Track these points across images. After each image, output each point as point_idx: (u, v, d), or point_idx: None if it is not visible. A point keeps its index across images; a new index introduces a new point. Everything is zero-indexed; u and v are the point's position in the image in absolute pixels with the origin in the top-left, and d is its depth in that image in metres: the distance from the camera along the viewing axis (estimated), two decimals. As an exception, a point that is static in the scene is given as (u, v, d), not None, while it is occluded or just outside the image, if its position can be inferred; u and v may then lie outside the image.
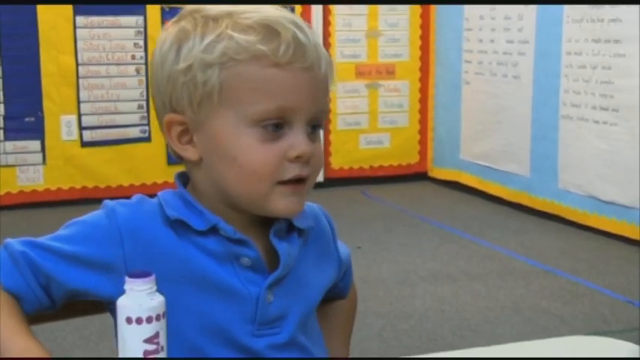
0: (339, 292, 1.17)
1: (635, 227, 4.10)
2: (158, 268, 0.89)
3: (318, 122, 0.98)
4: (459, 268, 3.87)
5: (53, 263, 0.92)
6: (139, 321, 0.66)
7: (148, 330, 0.67)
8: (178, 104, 0.96)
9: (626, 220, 4.17)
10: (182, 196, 0.99)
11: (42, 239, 0.95)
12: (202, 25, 0.96)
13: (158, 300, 0.67)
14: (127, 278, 0.66)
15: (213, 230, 0.97)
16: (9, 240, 0.94)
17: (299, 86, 0.94)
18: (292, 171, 0.95)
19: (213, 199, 0.98)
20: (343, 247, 1.15)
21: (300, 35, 0.95)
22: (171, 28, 0.99)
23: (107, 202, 0.98)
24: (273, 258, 0.99)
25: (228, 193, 0.97)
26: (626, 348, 1.14)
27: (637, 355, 1.11)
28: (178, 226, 0.96)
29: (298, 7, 5.42)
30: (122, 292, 0.78)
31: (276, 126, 0.94)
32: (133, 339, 0.67)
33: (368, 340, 2.95)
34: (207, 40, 0.94)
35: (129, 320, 0.66)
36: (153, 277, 0.66)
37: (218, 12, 0.97)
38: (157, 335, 0.67)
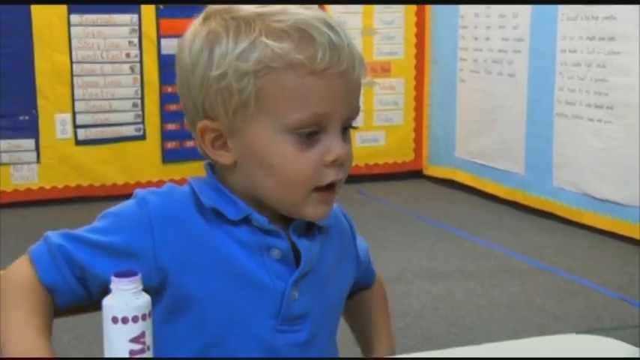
0: (362, 283, 1.18)
1: (630, 225, 4.11)
2: (188, 255, 0.93)
3: (350, 123, 0.99)
4: (454, 266, 3.87)
5: (89, 255, 0.93)
6: (124, 320, 0.66)
7: (133, 329, 0.66)
8: (212, 110, 0.95)
9: (621, 218, 4.17)
10: (215, 186, 0.99)
11: (79, 231, 0.96)
12: (235, 29, 0.94)
13: (144, 299, 0.66)
14: (112, 278, 0.66)
15: (246, 220, 0.97)
16: (49, 233, 0.96)
17: (334, 92, 0.94)
18: (329, 176, 0.96)
19: (242, 196, 0.99)
20: (362, 244, 1.16)
21: (335, 38, 0.94)
22: (200, 27, 0.97)
23: (138, 190, 0.99)
24: (295, 255, 1.00)
25: (261, 197, 0.98)
26: (619, 347, 1.14)
27: (630, 355, 1.11)
28: (211, 214, 0.97)
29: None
30: (150, 280, 0.78)
31: (310, 133, 0.94)
32: (118, 338, 0.67)
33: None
34: (241, 47, 0.93)
35: (114, 320, 0.66)
36: (139, 277, 0.66)
37: (248, 13, 0.95)
38: (142, 335, 0.67)
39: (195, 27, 0.98)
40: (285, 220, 1.00)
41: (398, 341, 2.98)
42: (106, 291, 0.91)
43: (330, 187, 0.98)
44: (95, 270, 0.93)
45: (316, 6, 1.00)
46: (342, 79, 0.94)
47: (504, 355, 1.11)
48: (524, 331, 3.06)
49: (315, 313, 1.02)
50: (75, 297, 0.95)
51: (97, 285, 0.94)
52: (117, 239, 0.94)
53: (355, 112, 0.99)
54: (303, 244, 0.99)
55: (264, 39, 0.92)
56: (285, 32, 0.93)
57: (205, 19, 0.98)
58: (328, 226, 1.05)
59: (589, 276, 3.73)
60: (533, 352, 1.14)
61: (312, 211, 0.97)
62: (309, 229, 1.02)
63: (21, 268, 0.94)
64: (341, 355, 1.12)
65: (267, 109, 0.93)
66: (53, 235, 0.95)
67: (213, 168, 1.02)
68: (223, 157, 0.98)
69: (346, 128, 0.98)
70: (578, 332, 1.19)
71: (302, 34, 0.93)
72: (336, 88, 0.94)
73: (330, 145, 0.95)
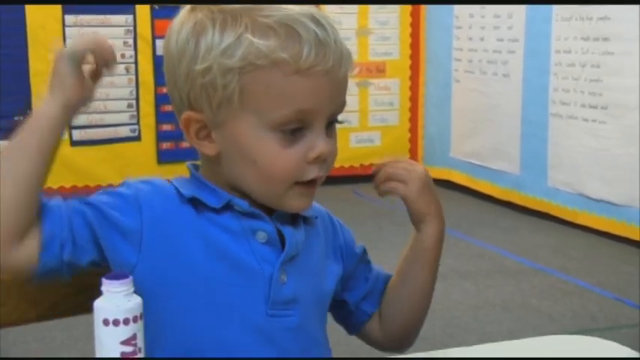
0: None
1: (625, 225, 4.12)
2: (175, 243, 0.94)
3: (335, 118, 0.99)
4: (449, 266, 3.88)
5: (96, 214, 0.94)
6: (115, 323, 0.66)
7: (125, 332, 0.66)
8: (197, 103, 0.96)
9: (616, 218, 4.18)
10: (195, 178, 1.01)
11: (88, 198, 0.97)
12: (221, 22, 0.94)
13: (135, 301, 0.66)
14: (103, 280, 0.66)
15: (228, 207, 0.98)
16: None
17: (319, 90, 0.94)
18: (312, 172, 0.97)
19: (224, 186, 1.00)
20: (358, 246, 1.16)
21: (322, 34, 0.94)
22: (187, 17, 0.97)
23: (127, 179, 1.00)
24: (281, 241, 1.01)
25: (243, 189, 0.99)
26: (612, 348, 1.14)
27: (624, 355, 1.12)
28: (194, 204, 0.98)
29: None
30: (134, 262, 0.79)
31: (293, 130, 0.95)
32: (109, 341, 0.67)
33: (357, 338, 2.94)
34: (226, 42, 0.92)
35: (106, 322, 0.66)
36: (130, 279, 0.66)
37: (236, 7, 0.95)
38: (134, 337, 0.67)
39: (183, 16, 0.99)
40: (269, 209, 1.01)
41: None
42: (86, 267, 0.93)
43: (312, 182, 0.99)
44: (99, 232, 0.93)
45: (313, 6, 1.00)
46: (328, 76, 0.94)
47: (498, 356, 1.11)
48: (519, 332, 3.06)
49: (304, 299, 1.02)
50: (61, 251, 0.92)
51: (89, 249, 0.94)
52: (114, 214, 0.95)
53: (341, 106, 0.99)
54: (287, 229, 1.00)
55: (249, 35, 0.92)
56: (271, 28, 0.92)
57: (193, 9, 0.98)
58: (313, 218, 1.06)
59: (584, 276, 3.74)
60: (527, 353, 1.14)
61: (293, 203, 0.99)
62: (294, 217, 1.03)
63: None
64: (332, 346, 1.11)
65: (251, 106, 0.94)
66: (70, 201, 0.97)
67: (196, 168, 1.03)
68: (207, 148, 0.98)
69: (331, 123, 0.99)
70: (572, 332, 1.19)
71: (288, 30, 0.92)
72: (321, 86, 0.94)
73: (314, 142, 0.96)
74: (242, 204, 0.98)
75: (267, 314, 0.99)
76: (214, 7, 0.95)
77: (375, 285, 1.14)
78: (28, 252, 0.90)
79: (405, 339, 1.16)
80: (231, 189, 0.99)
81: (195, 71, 0.94)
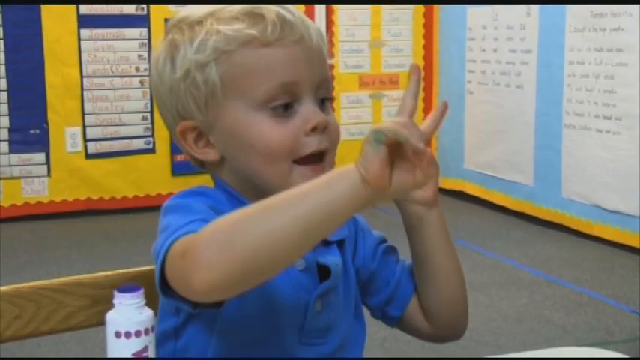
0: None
1: (638, 236, 4.09)
2: None
3: (325, 94, 0.99)
4: (463, 278, 3.87)
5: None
6: (127, 335, 0.67)
7: (136, 344, 0.67)
8: (186, 111, 0.97)
9: (630, 230, 4.16)
10: (232, 196, 0.98)
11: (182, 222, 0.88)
12: (189, 32, 0.97)
13: (147, 314, 0.67)
14: (115, 292, 0.67)
15: None
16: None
17: (294, 59, 0.95)
18: (310, 145, 0.95)
19: (247, 191, 0.98)
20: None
21: (285, 13, 0.96)
22: (161, 44, 1.01)
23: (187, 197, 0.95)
24: (317, 268, 0.99)
25: (254, 183, 0.97)
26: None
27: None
28: None
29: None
30: None
31: (285, 106, 0.95)
32: (122, 353, 0.68)
33: (370, 350, 2.94)
34: (196, 42, 0.95)
35: (118, 334, 0.67)
36: (141, 292, 0.67)
37: (201, 14, 0.98)
38: (145, 349, 0.68)
39: (159, 45, 1.02)
40: None
41: (405, 354, 2.94)
42: None
43: (317, 160, 0.96)
44: None
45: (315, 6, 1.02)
46: (300, 45, 0.96)
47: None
48: (533, 344, 3.05)
49: (339, 325, 1.01)
50: None
51: None
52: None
53: (327, 80, 0.99)
54: (329, 259, 0.99)
55: (215, 27, 0.95)
56: (234, 17, 0.96)
57: (166, 34, 1.01)
58: (345, 239, 1.04)
59: (598, 288, 3.72)
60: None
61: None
62: (326, 243, 1.01)
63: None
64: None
65: (234, 92, 0.95)
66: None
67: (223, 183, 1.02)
68: (210, 155, 0.99)
69: (324, 101, 0.99)
70: (586, 345, 1.19)
71: (251, 14, 0.96)
72: (295, 55, 0.95)
73: (307, 114, 0.95)
74: None
75: (301, 342, 0.98)
76: (182, 24, 0.98)
77: (397, 287, 1.10)
78: None
79: (453, 323, 1.12)
80: (252, 194, 0.96)
81: (177, 80, 0.96)
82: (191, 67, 0.95)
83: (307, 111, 0.95)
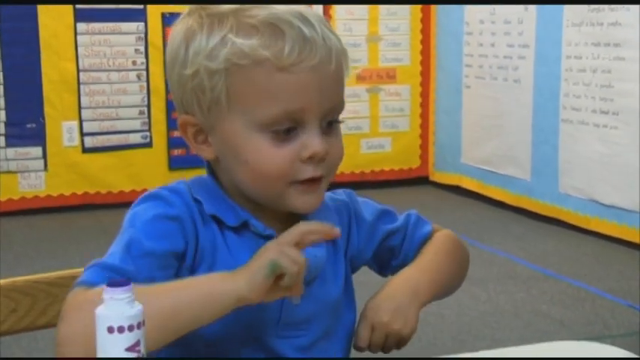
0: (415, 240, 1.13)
1: (636, 231, 4.10)
2: (204, 261, 0.95)
3: (334, 118, 0.97)
4: (460, 272, 3.87)
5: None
6: (120, 330, 0.66)
7: (130, 338, 0.67)
8: (189, 107, 0.97)
9: (627, 224, 4.16)
10: (214, 189, 1.00)
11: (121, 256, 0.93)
12: (208, 26, 0.95)
13: (138, 308, 0.67)
14: (105, 288, 0.66)
15: (245, 225, 0.98)
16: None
17: (305, 87, 0.92)
18: (306, 172, 0.95)
19: (238, 195, 0.99)
20: (369, 211, 1.12)
21: (307, 30, 0.92)
22: (180, 24, 0.99)
23: (158, 191, 0.99)
24: None
25: (244, 192, 0.98)
26: (624, 354, 1.14)
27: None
28: (213, 220, 0.97)
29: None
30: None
31: (288, 130, 0.94)
32: (115, 348, 0.67)
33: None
34: (211, 45, 0.93)
35: (110, 330, 0.66)
36: (132, 286, 0.67)
37: (224, 10, 0.95)
38: (138, 343, 0.67)
39: (179, 21, 1.00)
40: (294, 221, 0.97)
41: (402, 348, 2.92)
42: None
43: (313, 181, 0.96)
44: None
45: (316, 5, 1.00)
46: (316, 72, 0.93)
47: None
48: (530, 338, 3.05)
49: (320, 318, 1.02)
50: None
51: None
52: (163, 245, 0.93)
53: (338, 105, 0.97)
54: (308, 252, 0.96)
55: (232, 36, 0.92)
56: (254, 28, 0.92)
57: (189, 13, 0.99)
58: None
59: (595, 282, 3.72)
60: (537, 359, 1.14)
61: (296, 203, 0.96)
62: None
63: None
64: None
65: (239, 106, 0.94)
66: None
67: (213, 174, 1.03)
68: (205, 152, 0.99)
69: (331, 123, 0.97)
70: (584, 339, 1.19)
71: (272, 28, 0.92)
72: (308, 83, 0.92)
73: (307, 141, 0.94)
74: (258, 226, 0.98)
75: (278, 335, 0.98)
76: (204, 12, 0.96)
77: (405, 259, 1.12)
78: None
79: None
80: (240, 196, 0.99)
81: (185, 76, 0.95)
82: (200, 70, 0.94)
83: (309, 139, 0.94)
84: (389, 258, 1.14)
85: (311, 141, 0.94)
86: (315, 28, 0.93)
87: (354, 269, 1.13)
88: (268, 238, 0.97)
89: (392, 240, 1.13)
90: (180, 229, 0.94)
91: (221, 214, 0.97)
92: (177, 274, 0.94)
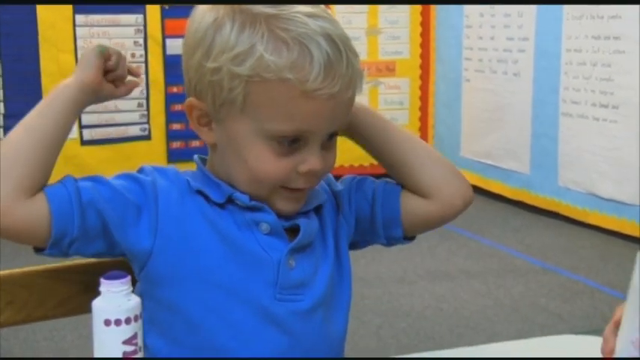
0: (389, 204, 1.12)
1: (635, 224, 4.09)
2: (187, 229, 0.97)
3: (335, 131, 1.00)
4: (458, 266, 3.87)
5: (110, 193, 0.97)
6: (117, 322, 0.66)
7: (126, 331, 0.66)
8: (201, 94, 0.98)
9: (627, 218, 4.16)
10: (201, 172, 1.04)
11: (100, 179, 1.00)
12: (240, 25, 0.94)
13: (135, 301, 0.67)
14: (102, 280, 0.66)
15: (231, 202, 1.00)
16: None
17: (321, 113, 0.95)
18: (298, 183, 0.99)
19: (227, 177, 1.02)
20: (342, 184, 1.13)
21: (334, 56, 0.93)
22: (209, 13, 0.97)
23: (144, 165, 1.04)
24: (294, 232, 1.02)
25: (234, 181, 1.01)
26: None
27: (634, 355, 1.11)
28: (201, 197, 1.00)
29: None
30: (150, 246, 0.87)
31: (292, 141, 0.96)
32: (112, 341, 0.67)
33: (365, 338, 2.94)
34: (239, 48, 0.93)
35: (107, 322, 0.66)
36: (128, 279, 0.66)
37: (258, 11, 0.94)
38: (135, 336, 0.67)
39: (207, 7, 0.99)
40: None
41: (400, 342, 2.94)
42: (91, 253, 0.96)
43: (300, 189, 1.01)
44: (108, 213, 0.95)
45: (323, 6, 0.99)
46: (333, 100, 0.95)
47: (505, 356, 1.11)
48: (528, 332, 3.05)
49: (318, 285, 1.03)
50: (65, 227, 0.95)
51: (98, 225, 0.95)
52: (129, 193, 0.98)
53: (342, 125, 1.01)
54: (302, 220, 1.02)
55: (261, 48, 0.92)
56: (285, 43, 0.92)
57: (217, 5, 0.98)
58: (323, 203, 1.06)
59: (594, 276, 3.73)
60: (536, 352, 1.14)
61: (279, 204, 1.01)
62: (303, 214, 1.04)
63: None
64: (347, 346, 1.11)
65: (252, 113, 0.95)
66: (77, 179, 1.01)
67: (203, 162, 1.06)
68: (206, 136, 1.01)
69: (332, 136, 1.00)
70: (582, 332, 1.19)
71: (301, 48, 0.92)
72: (324, 110, 0.95)
73: (308, 157, 0.97)
74: (243, 198, 1.00)
75: (275, 298, 1.00)
76: (237, 7, 0.96)
77: (384, 210, 1.11)
78: (35, 219, 0.97)
79: (455, 188, 1.18)
80: (229, 180, 1.02)
81: (206, 67, 0.96)
82: (223, 69, 0.94)
83: (309, 155, 0.97)
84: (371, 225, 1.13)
85: (311, 157, 0.97)
86: (342, 54, 0.94)
87: (357, 245, 1.13)
88: (255, 208, 1.00)
89: (363, 210, 1.12)
90: (142, 191, 0.98)
91: (207, 189, 1.00)
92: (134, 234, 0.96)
